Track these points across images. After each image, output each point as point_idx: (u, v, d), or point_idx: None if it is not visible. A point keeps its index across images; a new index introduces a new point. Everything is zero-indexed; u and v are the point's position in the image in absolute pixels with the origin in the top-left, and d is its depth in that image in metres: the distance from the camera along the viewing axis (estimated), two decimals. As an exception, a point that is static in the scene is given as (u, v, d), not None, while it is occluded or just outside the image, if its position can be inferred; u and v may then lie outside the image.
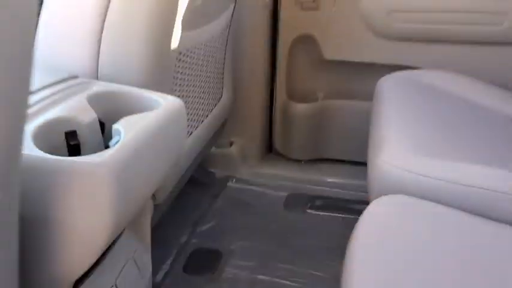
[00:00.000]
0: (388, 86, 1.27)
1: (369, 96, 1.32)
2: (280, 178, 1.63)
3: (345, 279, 0.67)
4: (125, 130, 0.60)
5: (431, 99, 1.21)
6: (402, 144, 0.95)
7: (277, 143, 1.73)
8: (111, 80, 0.76)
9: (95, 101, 0.67)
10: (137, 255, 0.76)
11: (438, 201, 0.83)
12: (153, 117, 0.66)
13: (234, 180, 1.63)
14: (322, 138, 1.68)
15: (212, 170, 1.64)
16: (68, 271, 0.54)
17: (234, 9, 1.30)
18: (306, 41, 1.58)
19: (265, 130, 1.71)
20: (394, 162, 0.88)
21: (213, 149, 1.61)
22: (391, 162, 0.88)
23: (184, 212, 1.43)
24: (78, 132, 0.62)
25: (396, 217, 0.76)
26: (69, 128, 0.61)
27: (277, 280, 1.20)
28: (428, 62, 1.45)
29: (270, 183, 1.61)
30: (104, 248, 0.59)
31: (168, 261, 1.24)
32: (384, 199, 0.80)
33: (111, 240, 0.61)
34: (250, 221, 1.43)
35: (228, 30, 1.30)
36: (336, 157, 1.69)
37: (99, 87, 0.70)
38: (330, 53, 1.58)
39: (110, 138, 0.63)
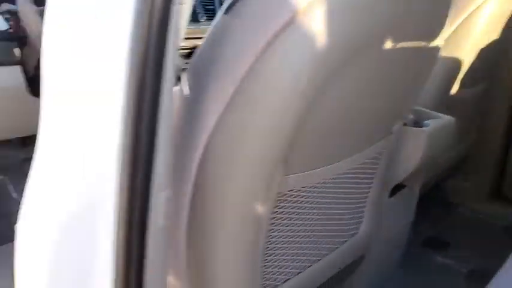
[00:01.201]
0: None
1: None
2: (500, 213, 2.13)
3: None
4: (432, 123, 1.30)
5: None
6: None
7: (507, 189, 2.22)
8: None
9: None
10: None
11: None
12: (444, 121, 1.35)
13: (464, 207, 2.19)
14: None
15: (450, 197, 2.24)
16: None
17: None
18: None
19: (497, 178, 2.23)
20: None
21: (453, 182, 2.20)
22: None
23: (426, 215, 2.05)
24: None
25: None
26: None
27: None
28: None
29: (492, 214, 2.12)
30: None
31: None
32: None
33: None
34: (470, 232, 1.99)
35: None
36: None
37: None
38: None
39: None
